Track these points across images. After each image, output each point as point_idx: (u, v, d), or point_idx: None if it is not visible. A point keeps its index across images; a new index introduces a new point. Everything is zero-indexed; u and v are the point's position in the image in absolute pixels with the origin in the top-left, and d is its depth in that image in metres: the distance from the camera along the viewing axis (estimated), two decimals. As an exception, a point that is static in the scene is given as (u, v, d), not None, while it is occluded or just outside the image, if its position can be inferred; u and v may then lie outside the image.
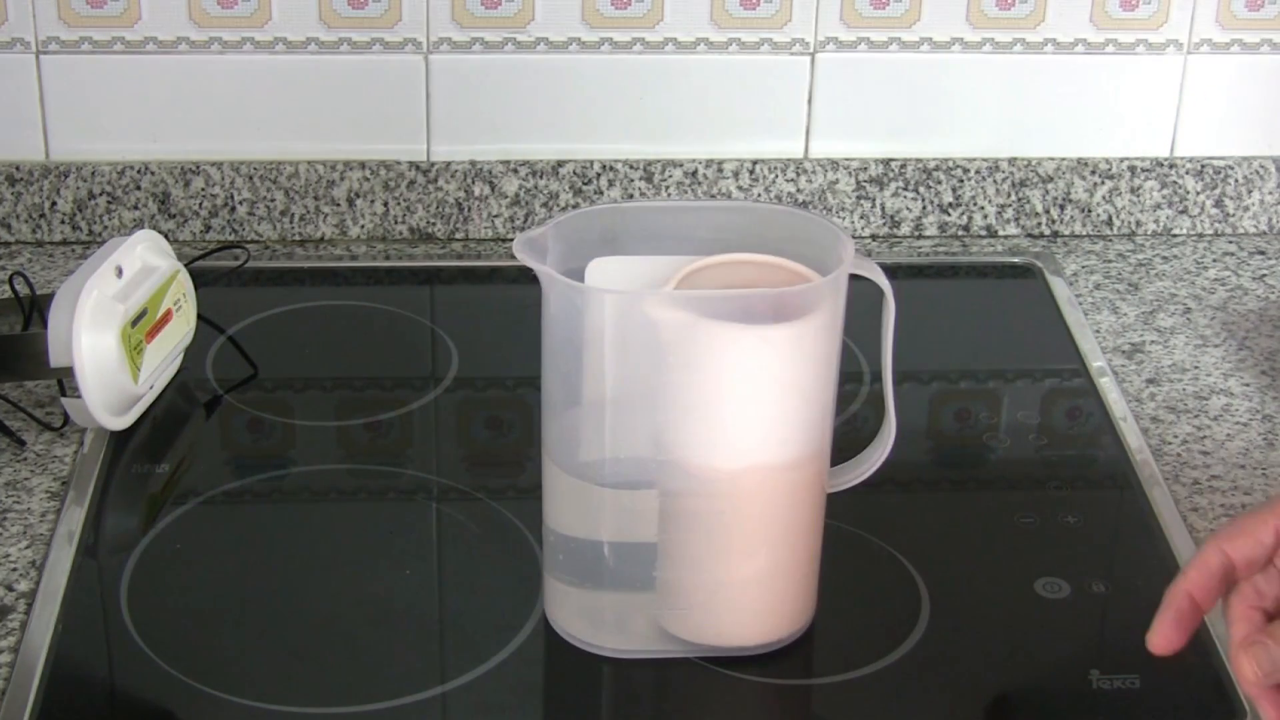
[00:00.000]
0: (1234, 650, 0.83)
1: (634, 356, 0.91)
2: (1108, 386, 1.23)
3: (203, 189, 1.37)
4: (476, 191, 1.39)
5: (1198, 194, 1.43)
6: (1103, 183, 1.42)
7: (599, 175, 1.39)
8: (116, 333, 1.11)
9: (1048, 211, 1.43)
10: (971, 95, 1.40)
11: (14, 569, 1.03)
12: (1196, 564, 0.86)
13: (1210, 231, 1.44)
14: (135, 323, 1.13)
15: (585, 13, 1.35)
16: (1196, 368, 1.26)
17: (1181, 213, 1.43)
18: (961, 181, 1.41)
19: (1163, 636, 0.86)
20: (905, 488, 1.13)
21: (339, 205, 1.39)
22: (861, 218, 1.42)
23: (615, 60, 1.37)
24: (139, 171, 1.36)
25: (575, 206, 1.39)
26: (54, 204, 1.37)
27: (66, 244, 1.38)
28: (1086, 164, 1.42)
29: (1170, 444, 1.17)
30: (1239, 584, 0.85)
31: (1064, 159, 1.42)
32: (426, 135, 1.38)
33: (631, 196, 1.40)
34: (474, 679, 0.96)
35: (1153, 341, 1.29)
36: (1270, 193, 1.43)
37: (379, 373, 1.24)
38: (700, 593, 0.96)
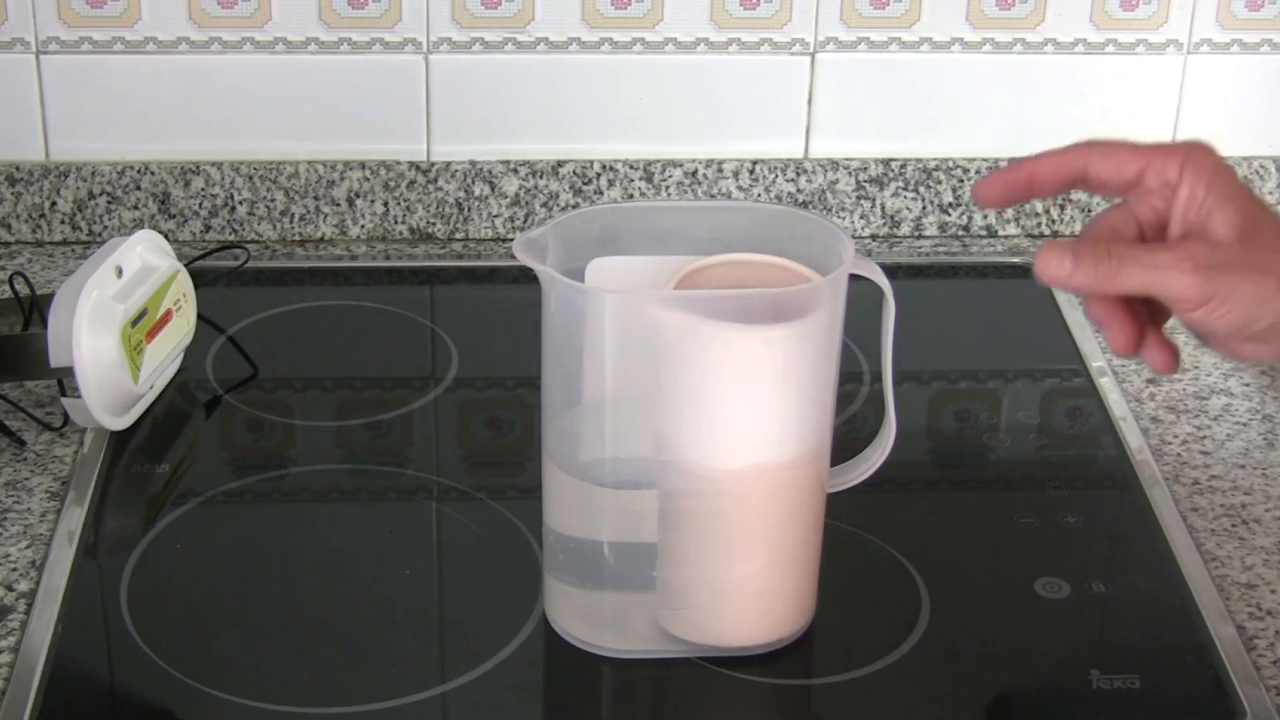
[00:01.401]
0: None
1: (634, 356, 0.91)
2: (1108, 386, 1.23)
3: (203, 189, 1.37)
4: (476, 191, 1.39)
5: (1198, 194, 1.43)
6: (1103, 183, 1.42)
7: (599, 175, 1.39)
8: (116, 333, 1.11)
9: (1048, 211, 1.43)
10: (971, 95, 1.40)
11: (14, 569, 1.03)
12: (1055, 157, 0.89)
13: (1210, 231, 1.44)
14: (135, 323, 1.13)
15: (585, 13, 1.35)
16: (1196, 368, 1.26)
17: (1181, 213, 1.43)
18: (961, 181, 1.41)
19: (987, 188, 0.90)
20: (905, 488, 1.13)
21: (339, 205, 1.39)
22: (861, 218, 1.42)
23: (615, 60, 1.37)
24: (139, 171, 1.37)
25: (575, 206, 1.39)
26: (54, 204, 1.37)
27: (66, 244, 1.38)
28: (1086, 164, 1.41)
29: (1170, 444, 1.17)
30: (1098, 218, 0.89)
31: (1064, 159, 1.41)
32: (426, 135, 1.38)
33: (631, 196, 1.40)
34: (474, 679, 0.96)
35: (1153, 341, 1.29)
36: (1270, 193, 1.43)
37: (379, 373, 1.24)
38: (700, 593, 0.96)
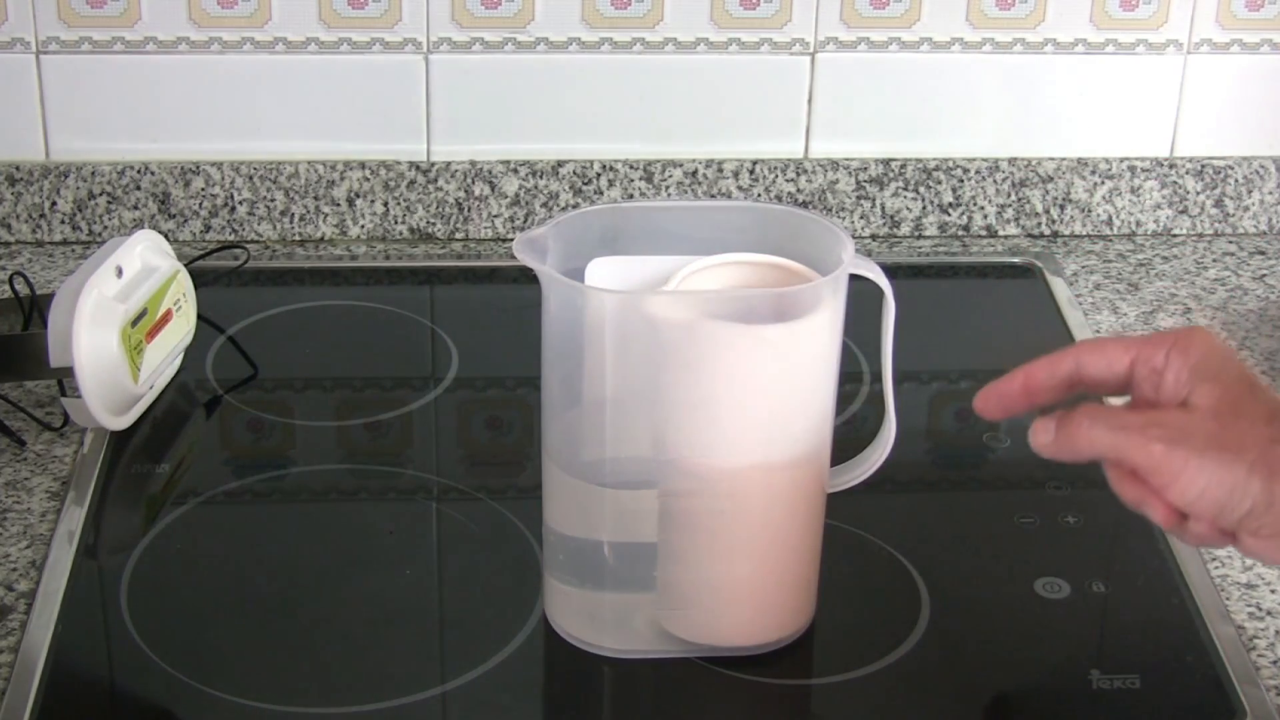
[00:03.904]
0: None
1: (634, 356, 0.91)
2: (1108, 386, 1.23)
3: (203, 189, 1.37)
4: (476, 191, 1.39)
5: (1198, 194, 1.43)
6: (1103, 183, 1.42)
7: (599, 175, 1.39)
8: (116, 333, 1.11)
9: (1048, 211, 1.43)
10: (971, 95, 1.40)
11: (14, 569, 1.03)
12: (1048, 361, 0.89)
13: (1210, 231, 1.44)
14: (135, 323, 1.13)
15: (585, 13, 1.35)
16: (1196, 368, 1.25)
17: (1181, 213, 1.43)
18: (961, 181, 1.41)
19: (985, 401, 0.90)
20: (905, 488, 1.13)
21: (339, 205, 1.39)
22: (861, 218, 1.42)
23: (615, 60, 1.37)
24: (139, 171, 1.37)
25: (575, 206, 1.39)
26: (54, 204, 1.37)
27: (66, 244, 1.38)
28: (1086, 164, 1.42)
29: (1170, 444, 1.17)
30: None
31: (1064, 159, 1.42)
32: (426, 135, 1.38)
33: (631, 196, 1.40)
34: (474, 679, 0.96)
35: (1153, 341, 1.29)
36: (1270, 193, 1.43)
37: (379, 373, 1.24)
38: (700, 593, 0.96)
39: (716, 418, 0.91)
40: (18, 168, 1.36)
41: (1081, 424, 0.85)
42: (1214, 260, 1.40)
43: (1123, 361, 0.87)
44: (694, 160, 1.40)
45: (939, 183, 1.41)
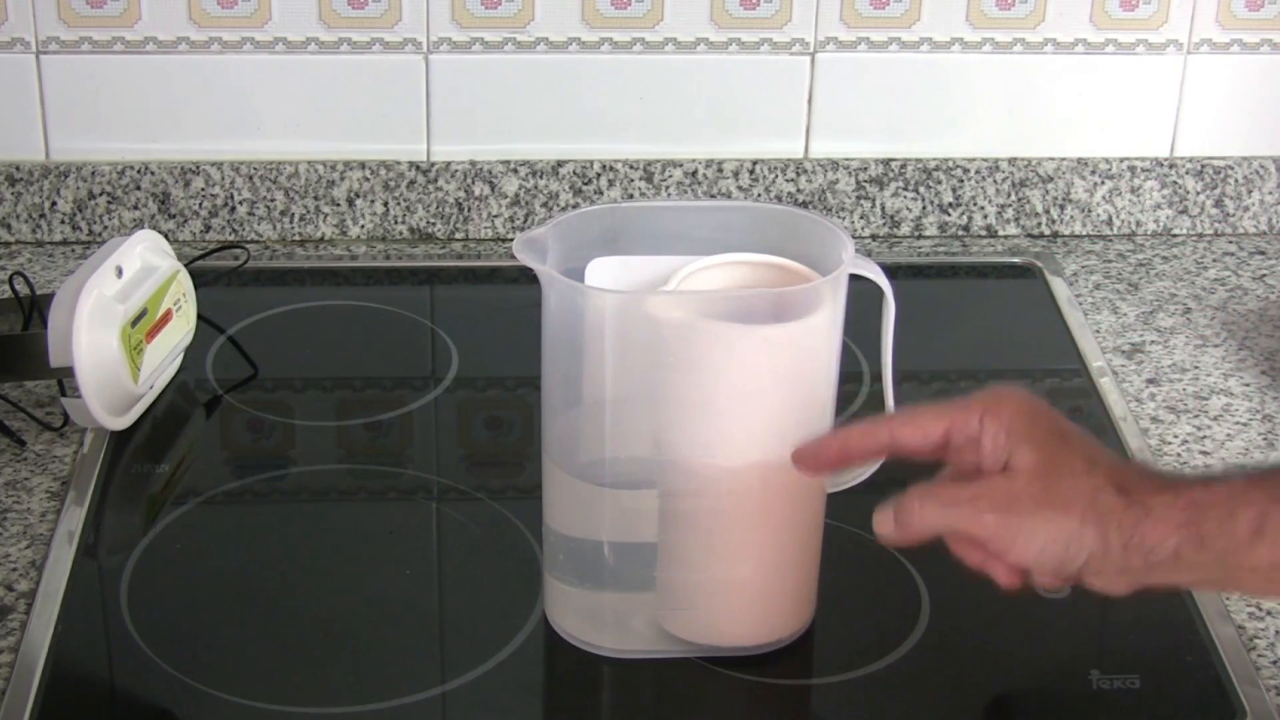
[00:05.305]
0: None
1: (634, 356, 0.91)
2: (1108, 386, 1.23)
3: (203, 189, 1.37)
4: (476, 191, 1.39)
5: (1198, 194, 1.43)
6: (1103, 183, 1.42)
7: (599, 175, 1.39)
8: (116, 333, 1.11)
9: (1048, 211, 1.43)
10: (971, 95, 1.40)
11: (14, 569, 1.03)
12: (864, 430, 0.90)
13: (1210, 231, 1.44)
14: (135, 323, 1.13)
15: (585, 13, 1.35)
16: (1196, 368, 1.26)
17: (1181, 213, 1.43)
18: (961, 181, 1.41)
19: (801, 457, 0.91)
20: (905, 488, 1.13)
21: (339, 205, 1.39)
22: (861, 218, 1.42)
23: (615, 60, 1.37)
24: (139, 171, 1.37)
25: (575, 206, 1.39)
26: (54, 204, 1.37)
27: (66, 244, 1.38)
28: (1086, 164, 1.42)
29: (1170, 444, 1.17)
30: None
31: (1064, 159, 1.42)
32: (426, 135, 1.38)
33: (631, 196, 1.40)
34: (474, 679, 0.96)
35: (1153, 341, 1.29)
36: (1270, 193, 1.43)
37: (379, 373, 1.24)
38: (700, 593, 0.96)
39: (716, 418, 0.91)
40: (18, 168, 1.36)
41: (914, 508, 0.87)
42: (1214, 260, 1.40)
43: (936, 431, 0.88)
44: (694, 160, 1.40)
45: (939, 183, 1.41)
